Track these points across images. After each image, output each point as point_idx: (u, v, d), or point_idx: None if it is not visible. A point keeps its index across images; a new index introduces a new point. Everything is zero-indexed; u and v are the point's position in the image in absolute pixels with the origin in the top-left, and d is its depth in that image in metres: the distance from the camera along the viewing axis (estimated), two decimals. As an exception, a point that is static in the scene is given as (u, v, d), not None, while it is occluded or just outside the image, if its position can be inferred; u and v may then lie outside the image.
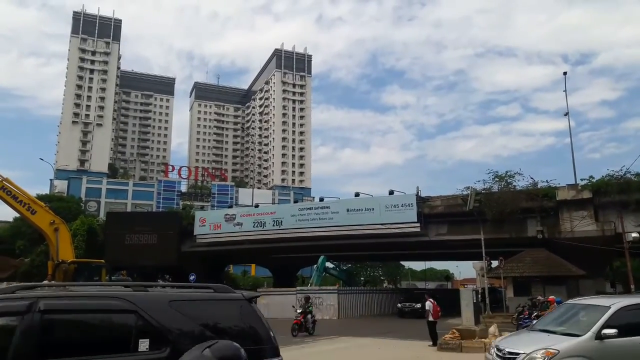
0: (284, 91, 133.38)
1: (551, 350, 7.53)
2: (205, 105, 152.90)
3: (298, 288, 40.29)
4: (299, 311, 22.29)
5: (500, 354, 8.16)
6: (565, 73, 35.96)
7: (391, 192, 35.09)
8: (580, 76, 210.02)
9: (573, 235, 28.42)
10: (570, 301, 10.09)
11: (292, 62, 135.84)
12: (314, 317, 22.54)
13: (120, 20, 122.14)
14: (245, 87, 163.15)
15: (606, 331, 7.53)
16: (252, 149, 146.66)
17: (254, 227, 38.77)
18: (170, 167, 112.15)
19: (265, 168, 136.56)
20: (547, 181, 31.81)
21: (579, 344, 7.65)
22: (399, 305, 35.88)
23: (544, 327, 8.70)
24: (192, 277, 36.83)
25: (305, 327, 21.60)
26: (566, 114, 34.30)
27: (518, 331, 8.99)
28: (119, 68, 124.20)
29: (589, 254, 26.88)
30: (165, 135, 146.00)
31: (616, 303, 8.18)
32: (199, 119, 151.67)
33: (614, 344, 7.57)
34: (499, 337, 9.03)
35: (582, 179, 31.05)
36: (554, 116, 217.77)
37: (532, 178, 32.69)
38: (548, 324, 8.79)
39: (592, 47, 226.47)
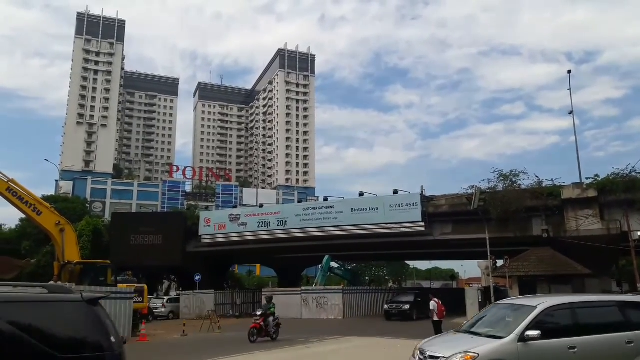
0: (288, 91, 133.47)
1: (470, 354, 7.16)
2: (209, 106, 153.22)
3: (303, 288, 40.34)
4: (258, 313, 19.87)
5: (422, 357, 7.83)
6: (569, 71, 35.71)
7: (395, 192, 35.04)
8: (585, 74, 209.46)
9: (578, 234, 28.30)
10: (502, 301, 9.64)
11: (295, 62, 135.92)
12: (278, 319, 20.00)
13: (124, 21, 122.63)
14: (249, 87, 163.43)
15: (530, 333, 7.13)
16: (256, 149, 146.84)
17: (258, 227, 38.79)
18: (175, 168, 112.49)
19: (269, 168, 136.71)
20: (552, 180, 31.68)
21: (501, 346, 7.26)
22: (385, 306, 33.02)
23: (471, 329, 8.28)
24: (197, 277, 36.93)
25: (266, 332, 19.11)
26: (571, 113, 34.11)
27: (445, 332, 8.75)
28: (123, 69, 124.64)
29: (595, 252, 26.77)
30: (170, 136, 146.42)
31: (542, 303, 7.76)
32: (203, 119, 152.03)
33: (537, 347, 7.18)
34: (425, 339, 8.47)
35: (587, 178, 30.90)
36: (559, 114, 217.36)
37: (536, 177, 32.53)
38: (476, 325, 8.35)
39: (596, 45, 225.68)
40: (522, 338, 7.17)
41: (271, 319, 19.34)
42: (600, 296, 10.12)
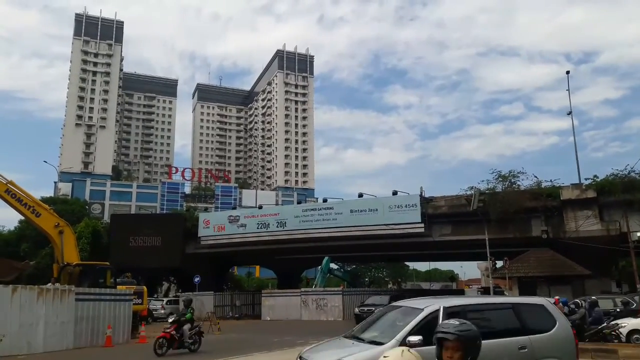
0: (287, 92, 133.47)
1: None
2: (208, 107, 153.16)
3: (302, 289, 40.32)
4: (170, 320, 16.89)
5: None
6: (568, 72, 35.84)
7: (394, 193, 35.06)
8: (583, 75, 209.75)
9: (578, 235, 28.34)
10: (399, 302, 9.04)
11: (294, 63, 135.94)
12: (199, 327, 17.01)
13: (122, 22, 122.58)
14: (248, 88, 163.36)
15: (411, 338, 6.45)
16: (255, 150, 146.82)
17: (257, 228, 38.79)
18: (174, 169, 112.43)
19: (268, 169, 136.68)
20: (551, 180, 31.79)
21: (378, 354, 6.60)
22: (356, 309, 30.60)
23: (359, 333, 7.63)
24: (196, 279, 36.90)
25: (179, 343, 15.88)
26: (569, 113, 34.18)
27: (332, 339, 8.16)
28: (121, 70, 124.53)
29: (594, 253, 26.80)
30: (169, 137, 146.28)
31: (430, 306, 7.16)
32: (201, 120, 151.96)
33: (419, 353, 6.61)
34: (310, 346, 7.87)
35: (586, 179, 30.99)
36: (557, 115, 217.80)
37: (535, 177, 32.71)
38: (367, 329, 7.72)
39: (595, 46, 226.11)
40: (403, 344, 6.27)
41: (187, 326, 16.27)
42: (495, 298, 9.57)
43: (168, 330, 15.88)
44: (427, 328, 6.50)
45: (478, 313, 7.35)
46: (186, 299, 18.10)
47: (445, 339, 3.06)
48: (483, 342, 6.74)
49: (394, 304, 8.61)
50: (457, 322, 3.11)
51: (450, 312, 7.01)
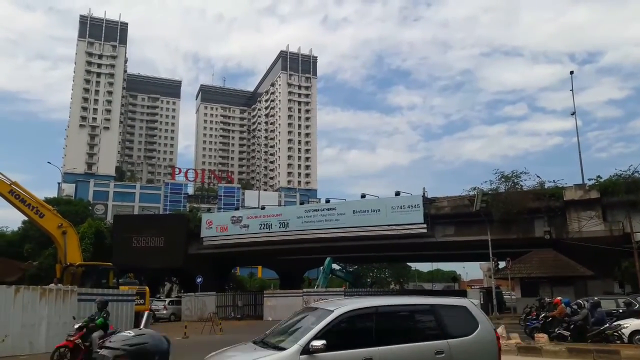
0: (290, 93, 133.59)
1: None
2: (212, 108, 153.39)
3: (304, 290, 40.32)
4: (76, 326, 13.31)
5: None
6: (572, 72, 35.87)
7: (397, 193, 35.04)
8: (587, 75, 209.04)
9: (581, 236, 28.26)
10: (316, 304, 8.52)
11: (297, 64, 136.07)
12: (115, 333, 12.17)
13: (127, 24, 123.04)
14: (251, 89, 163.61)
15: (315, 343, 6.00)
16: (258, 151, 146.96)
17: (260, 229, 38.81)
18: (177, 170, 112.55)
19: (271, 170, 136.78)
20: (554, 181, 31.72)
21: None
22: None
23: (268, 337, 7.10)
24: (198, 280, 36.96)
25: (86, 353, 12.74)
26: (573, 114, 34.15)
27: (240, 343, 7.63)
28: (125, 71, 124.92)
29: (597, 254, 26.72)
30: (172, 138, 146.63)
31: (339, 307, 6.63)
32: (205, 121, 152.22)
33: None
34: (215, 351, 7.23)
35: (589, 179, 30.94)
36: (561, 116, 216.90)
37: (538, 177, 32.67)
38: (278, 332, 7.19)
39: (599, 46, 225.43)
40: (307, 350, 6.04)
41: (98, 334, 12.82)
42: (414, 299, 8.94)
43: (72, 339, 12.94)
44: (336, 332, 6.30)
45: (393, 315, 6.99)
46: (100, 301, 14.02)
47: (116, 355, 2.62)
48: (395, 347, 6.32)
49: (312, 305, 8.01)
50: (131, 335, 2.73)
51: (358, 315, 6.68)
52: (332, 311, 6.53)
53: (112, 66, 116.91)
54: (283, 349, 6.29)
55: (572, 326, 15.46)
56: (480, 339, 6.97)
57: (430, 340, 6.69)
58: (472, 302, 7.56)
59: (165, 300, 40.40)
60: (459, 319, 7.15)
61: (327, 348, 6.01)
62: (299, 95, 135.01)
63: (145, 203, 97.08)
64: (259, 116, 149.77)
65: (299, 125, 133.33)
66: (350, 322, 6.56)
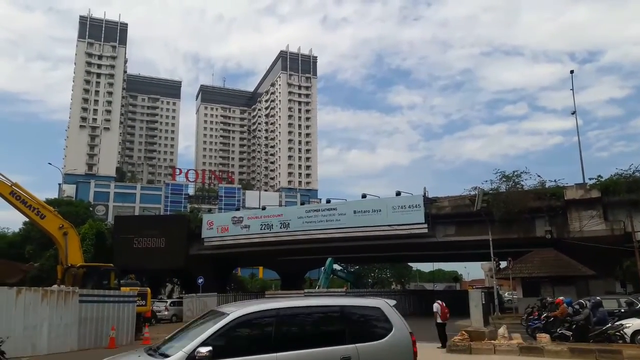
0: (290, 93, 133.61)
1: None
2: (212, 108, 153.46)
3: (306, 290, 40.34)
4: None
5: None
6: (572, 71, 35.91)
7: (398, 193, 35.03)
8: (588, 74, 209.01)
9: (582, 235, 28.25)
10: (220, 307, 7.80)
11: (297, 64, 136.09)
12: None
13: (127, 24, 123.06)
14: (251, 89, 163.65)
15: (201, 350, 5.53)
16: (259, 151, 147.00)
17: (261, 229, 38.82)
18: (178, 170, 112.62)
19: (271, 170, 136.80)
20: (554, 180, 31.71)
21: None
22: None
23: (164, 343, 6.61)
24: (200, 280, 36.95)
25: None
26: (573, 113, 34.15)
27: (131, 351, 7.25)
28: (125, 72, 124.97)
29: (599, 253, 26.72)
30: (172, 139, 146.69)
31: (235, 311, 6.17)
32: (205, 121, 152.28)
33: None
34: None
35: (590, 178, 30.92)
36: (562, 115, 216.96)
37: (539, 176, 32.63)
38: (175, 337, 6.63)
39: (599, 45, 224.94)
40: (192, 357, 5.57)
41: None
42: (323, 300, 8.39)
43: None
44: (230, 337, 5.90)
45: (296, 318, 6.53)
46: None
47: None
48: (296, 352, 5.97)
49: (215, 308, 7.42)
50: None
51: (257, 318, 6.26)
52: (227, 315, 6.10)
53: (112, 67, 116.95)
54: (167, 355, 5.85)
55: (574, 326, 15.44)
56: (394, 343, 6.62)
57: (337, 345, 6.28)
58: (387, 303, 7.09)
59: (166, 301, 40.39)
60: (371, 321, 6.81)
61: (216, 355, 5.55)
62: (299, 95, 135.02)
63: (145, 204, 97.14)
64: (259, 116, 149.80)
65: (299, 125, 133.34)
66: (246, 327, 6.12)
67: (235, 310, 6.18)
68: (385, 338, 6.58)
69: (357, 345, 6.31)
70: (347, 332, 6.44)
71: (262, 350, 5.94)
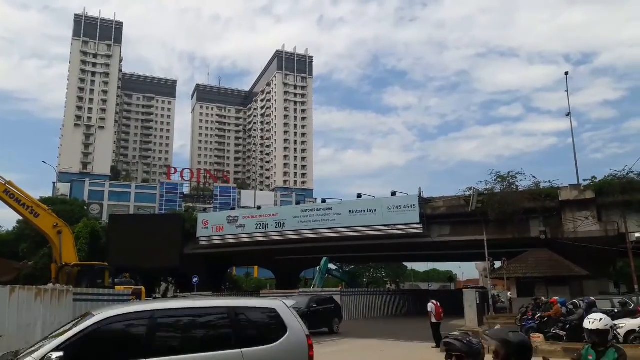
0: (286, 93, 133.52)
1: None
2: (207, 107, 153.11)
3: (301, 290, 40.29)
4: None
5: None
6: (567, 73, 35.98)
7: (393, 193, 35.08)
8: (582, 76, 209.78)
9: (576, 236, 28.38)
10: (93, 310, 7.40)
11: (293, 64, 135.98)
12: None
13: (122, 23, 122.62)
14: (247, 88, 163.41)
15: (53, 355, 5.06)
16: (254, 151, 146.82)
17: (256, 228, 38.80)
18: (173, 170, 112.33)
19: (267, 170, 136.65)
20: (549, 181, 31.85)
21: None
22: None
23: (29, 348, 5.98)
24: (195, 280, 36.87)
25: None
26: (568, 114, 34.31)
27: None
28: (120, 70, 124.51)
29: (593, 254, 26.84)
30: (168, 138, 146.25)
31: (103, 312, 5.72)
32: (200, 121, 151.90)
33: None
34: None
35: (584, 179, 31.08)
36: (556, 116, 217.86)
37: (534, 177, 32.78)
38: (40, 341, 6.11)
39: (594, 47, 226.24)
40: None
41: None
42: (208, 301, 7.72)
43: None
44: (93, 341, 5.39)
45: (172, 320, 6.05)
46: None
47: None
48: (171, 358, 5.53)
49: (90, 310, 6.76)
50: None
51: (128, 321, 5.78)
52: (92, 317, 5.63)
53: (107, 65, 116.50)
54: None
55: (567, 326, 15.53)
56: (287, 347, 6.18)
57: (220, 350, 5.81)
58: (284, 304, 6.62)
59: (161, 300, 40.31)
60: (263, 324, 6.44)
61: None
62: (295, 95, 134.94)
63: (140, 203, 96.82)
64: (255, 116, 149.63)
65: (295, 125, 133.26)
66: (114, 330, 5.60)
67: (102, 312, 5.71)
68: (278, 342, 6.18)
69: (242, 350, 5.87)
70: (233, 335, 6.01)
71: (129, 356, 5.47)
